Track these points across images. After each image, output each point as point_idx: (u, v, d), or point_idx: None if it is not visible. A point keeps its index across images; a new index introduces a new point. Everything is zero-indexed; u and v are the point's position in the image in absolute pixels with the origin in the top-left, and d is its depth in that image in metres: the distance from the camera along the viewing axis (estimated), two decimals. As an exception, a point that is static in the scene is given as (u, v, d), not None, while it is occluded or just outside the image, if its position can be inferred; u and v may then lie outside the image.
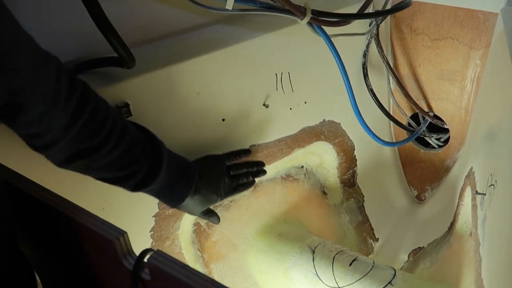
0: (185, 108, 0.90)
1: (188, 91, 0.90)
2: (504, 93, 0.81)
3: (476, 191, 0.87)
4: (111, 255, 0.46)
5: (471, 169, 1.01)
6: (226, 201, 1.12)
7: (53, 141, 0.59)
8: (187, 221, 1.03)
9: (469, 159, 1.10)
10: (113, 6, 0.81)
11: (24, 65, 0.51)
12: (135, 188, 0.73)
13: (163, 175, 0.74)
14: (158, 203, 0.93)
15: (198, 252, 1.08)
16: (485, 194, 0.78)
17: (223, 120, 0.97)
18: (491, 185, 0.75)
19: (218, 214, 1.07)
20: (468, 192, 1.02)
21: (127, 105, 0.81)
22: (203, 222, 1.08)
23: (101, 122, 0.64)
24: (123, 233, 0.46)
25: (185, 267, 0.42)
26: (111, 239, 0.45)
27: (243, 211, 1.16)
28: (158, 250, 0.44)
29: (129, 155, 0.69)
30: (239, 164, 0.96)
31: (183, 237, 1.03)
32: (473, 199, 0.92)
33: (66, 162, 0.63)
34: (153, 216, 0.93)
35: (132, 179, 0.71)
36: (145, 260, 0.44)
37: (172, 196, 0.81)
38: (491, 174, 0.77)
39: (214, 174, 0.90)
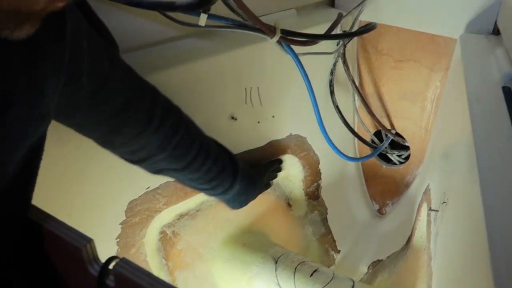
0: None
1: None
2: (459, 116, 0.86)
3: (430, 208, 0.91)
4: (78, 262, 0.48)
5: (428, 186, 1.07)
6: (193, 210, 1.14)
7: (147, 156, 0.74)
8: (153, 229, 1.04)
9: (427, 176, 1.15)
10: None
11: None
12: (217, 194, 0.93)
13: (237, 186, 0.92)
14: (125, 211, 0.94)
15: (163, 260, 1.09)
16: (438, 211, 0.82)
17: (192, 131, 0.99)
18: (444, 202, 0.79)
19: (184, 223, 1.10)
20: (424, 208, 1.07)
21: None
22: (169, 230, 1.09)
23: (190, 145, 0.78)
24: (89, 240, 0.48)
25: (149, 275, 0.44)
26: (78, 246, 0.47)
27: (209, 221, 1.18)
28: (123, 258, 0.45)
29: (213, 171, 0.85)
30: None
31: (148, 245, 1.04)
32: (428, 215, 0.97)
33: (159, 172, 0.80)
34: (119, 224, 0.94)
35: (215, 190, 0.90)
36: (111, 267, 0.46)
37: (239, 202, 1.00)
38: (444, 192, 0.82)
39: (263, 179, 1.11)
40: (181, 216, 1.11)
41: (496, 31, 1.04)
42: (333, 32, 0.98)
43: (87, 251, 0.48)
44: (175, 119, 0.77)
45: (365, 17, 1.21)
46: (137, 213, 0.97)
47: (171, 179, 1.01)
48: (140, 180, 0.95)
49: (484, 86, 0.79)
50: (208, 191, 0.91)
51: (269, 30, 0.84)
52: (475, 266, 0.48)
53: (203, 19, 0.78)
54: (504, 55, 0.88)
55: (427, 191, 1.06)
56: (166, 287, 0.43)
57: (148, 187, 0.97)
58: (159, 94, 0.75)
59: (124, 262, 0.45)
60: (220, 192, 0.92)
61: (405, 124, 1.36)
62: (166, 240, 1.09)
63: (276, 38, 0.85)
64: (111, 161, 0.87)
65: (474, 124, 0.67)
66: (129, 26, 0.92)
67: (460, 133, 0.81)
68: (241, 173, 0.92)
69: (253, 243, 1.23)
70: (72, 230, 0.49)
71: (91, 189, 0.85)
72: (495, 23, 1.03)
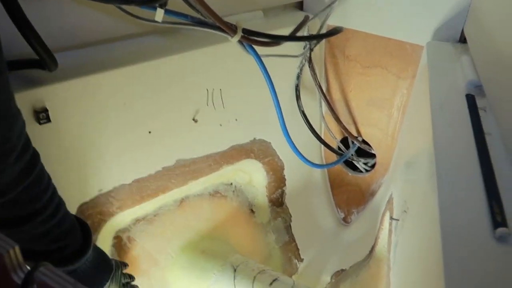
0: (110, 118, 0.88)
1: (114, 101, 0.88)
2: (422, 123, 0.85)
3: (391, 217, 0.90)
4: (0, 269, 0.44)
5: (391, 195, 1.05)
6: (150, 215, 1.10)
7: None
8: (106, 234, 1.00)
9: (391, 185, 1.14)
10: (41, 8, 0.78)
11: None
12: (60, 262, 0.72)
13: (90, 254, 0.77)
14: (75, 214, 0.89)
15: (117, 266, 1.05)
16: (398, 220, 0.81)
17: (150, 132, 0.96)
18: (404, 211, 0.78)
19: (141, 228, 1.06)
20: (387, 217, 1.05)
21: (45, 110, 0.77)
22: (124, 235, 1.05)
23: (43, 190, 0.65)
24: (13, 245, 0.44)
25: (75, 284, 0.40)
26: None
27: (167, 226, 1.14)
28: (48, 264, 0.42)
29: (63, 227, 0.70)
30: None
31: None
32: (390, 224, 0.95)
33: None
34: (68, 228, 0.89)
35: (61, 252, 0.72)
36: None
37: (95, 278, 0.81)
38: (405, 201, 0.81)
39: None
40: (137, 220, 1.07)
41: (463, 39, 1.03)
42: (298, 35, 0.95)
43: (11, 257, 0.44)
44: (33, 153, 0.63)
45: (333, 21, 1.19)
46: (88, 217, 0.93)
47: (126, 182, 0.97)
48: (92, 182, 0.91)
49: (448, 94, 0.78)
50: (54, 254, 0.71)
51: (230, 29, 0.81)
52: (428, 277, 0.46)
53: (159, 14, 0.74)
54: (469, 63, 0.87)
55: (390, 200, 1.05)
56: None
57: (101, 190, 0.93)
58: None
59: (48, 270, 0.41)
60: (68, 258, 0.73)
61: (372, 132, 1.35)
62: (120, 245, 1.05)
63: (237, 37, 0.82)
64: (61, 161, 0.83)
65: (436, 131, 0.66)
66: (87, 20, 0.88)
67: (422, 141, 0.80)
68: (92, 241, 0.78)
69: (213, 250, 1.19)
70: (-5, 234, 0.45)
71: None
72: (462, 31, 1.03)
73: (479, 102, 0.74)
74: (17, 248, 0.45)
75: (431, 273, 0.46)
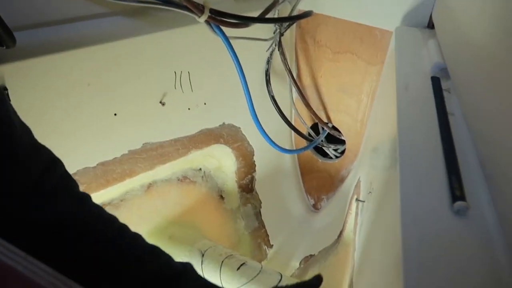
0: (73, 99, 0.86)
1: (78, 81, 0.85)
2: (388, 109, 0.85)
3: (357, 199, 0.90)
4: None
5: (359, 179, 1.06)
6: (116, 200, 1.09)
7: None
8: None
9: (359, 170, 1.15)
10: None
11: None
12: None
13: None
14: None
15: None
16: (364, 201, 0.81)
17: (115, 114, 0.94)
18: (370, 192, 0.78)
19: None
20: (355, 202, 1.06)
21: (5, 89, 0.75)
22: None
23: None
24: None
25: (25, 257, 0.39)
26: None
27: (133, 211, 1.12)
28: (-3, 238, 0.40)
29: None
30: None
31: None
32: (356, 207, 0.96)
33: None
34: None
35: None
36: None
37: None
38: (371, 182, 0.81)
39: None
40: (102, 205, 1.05)
41: (431, 25, 1.04)
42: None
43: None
44: None
45: (304, 6, 1.19)
46: (51, 200, 0.91)
47: (90, 165, 0.95)
48: (55, 164, 0.89)
49: (413, 76, 0.79)
50: None
51: (197, 9, 0.80)
52: (388, 253, 0.47)
53: (125, -8, 0.72)
54: (436, 47, 0.88)
55: (358, 184, 1.06)
56: (44, 272, 0.38)
57: (64, 172, 0.90)
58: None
59: (-3, 243, 0.40)
60: None
61: (341, 118, 1.36)
62: (84, 232, 1.03)
63: (204, 17, 0.81)
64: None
65: (400, 111, 0.66)
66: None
67: (388, 124, 0.80)
68: None
69: (180, 236, 1.18)
70: None
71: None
72: (430, 16, 1.04)
73: (444, 84, 0.75)
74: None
75: (391, 247, 0.46)
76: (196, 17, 0.81)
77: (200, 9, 0.80)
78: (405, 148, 0.56)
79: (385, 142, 0.80)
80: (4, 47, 0.71)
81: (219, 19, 0.84)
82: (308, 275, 1.27)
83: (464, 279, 0.37)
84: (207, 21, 0.83)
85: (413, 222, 0.43)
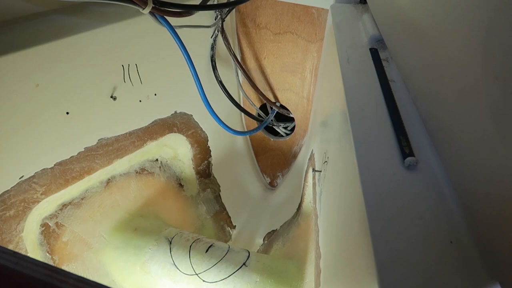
0: (22, 101, 0.84)
1: (25, 83, 0.83)
2: (332, 79, 0.89)
3: (313, 169, 0.94)
4: None
5: (312, 151, 1.10)
6: (77, 199, 1.08)
7: None
8: (32, 222, 0.96)
9: (311, 143, 1.19)
10: None
11: None
12: None
13: None
14: (-5, 205, 0.85)
15: (48, 254, 1.01)
16: (320, 171, 0.85)
17: (67, 113, 0.93)
18: (325, 162, 0.82)
19: (68, 213, 1.03)
20: (310, 174, 1.10)
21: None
22: (51, 222, 1.02)
23: None
24: None
25: (14, 254, 0.39)
26: None
27: (95, 208, 1.11)
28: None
29: None
30: None
31: (28, 239, 0.96)
32: (313, 177, 1.00)
33: None
34: (-9, 219, 0.85)
35: None
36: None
37: None
38: (325, 152, 0.85)
39: None
40: (63, 205, 1.04)
41: (363, 0, 1.09)
42: (208, 3, 0.96)
43: None
44: None
45: (242, -10, 1.21)
46: (11, 205, 0.89)
47: (47, 166, 0.94)
48: (12, 169, 0.87)
49: (353, 49, 0.83)
50: None
51: (140, 1, 0.80)
52: (352, 211, 0.50)
53: (66, -12, 0.71)
54: (370, 20, 0.92)
55: (311, 157, 1.10)
56: (35, 265, 0.39)
57: (22, 176, 0.89)
58: None
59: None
60: None
61: (288, 96, 1.39)
62: (49, 232, 1.02)
63: (148, 8, 0.81)
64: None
65: (346, 82, 0.70)
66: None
67: (335, 96, 0.84)
68: None
69: (146, 227, 1.19)
70: None
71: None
72: (362, -8, 1.08)
73: (382, 54, 0.79)
74: None
75: (353, 205, 0.50)
76: (140, 9, 0.81)
77: (143, 1, 0.80)
78: (355, 116, 0.59)
79: (334, 113, 0.84)
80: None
81: (162, 9, 0.84)
82: (273, 249, 1.32)
83: (422, 224, 0.41)
84: (151, 12, 0.83)
85: (371, 180, 0.47)
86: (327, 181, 0.76)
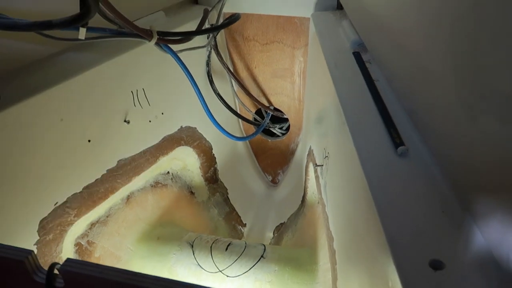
0: (50, 136, 0.92)
1: (52, 118, 0.91)
2: (323, 82, 0.98)
3: (316, 164, 1.03)
4: (22, 275, 0.50)
5: (310, 148, 1.19)
6: (103, 217, 1.15)
7: None
8: (68, 243, 1.04)
9: (308, 140, 1.28)
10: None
11: None
12: None
13: None
14: (37, 231, 0.93)
15: (84, 270, 1.09)
16: (322, 165, 0.94)
17: (89, 141, 1.00)
18: (326, 157, 0.91)
19: (97, 230, 1.11)
20: (311, 168, 1.19)
21: (-10, 141, 0.80)
22: (83, 241, 1.09)
23: None
24: (30, 252, 0.50)
25: (97, 265, 0.48)
26: (20, 259, 0.49)
27: (120, 224, 1.19)
28: (68, 258, 0.49)
29: None
30: None
31: (67, 258, 1.03)
32: (315, 171, 1.09)
33: None
34: (34, 244, 0.93)
35: None
36: (56, 270, 0.49)
37: None
38: (324, 148, 0.94)
39: None
40: (92, 224, 1.12)
41: (339, 6, 1.18)
42: (204, 27, 1.04)
43: (30, 262, 0.50)
44: None
45: (228, 9, 1.30)
46: (50, 230, 0.97)
47: (77, 190, 1.02)
48: (47, 197, 0.95)
49: (338, 54, 0.92)
50: None
51: (146, 34, 0.88)
52: (358, 196, 0.59)
53: (82, 33, 0.79)
54: (350, 26, 1.01)
55: (310, 153, 1.19)
56: (115, 271, 0.47)
57: (56, 203, 0.97)
58: None
59: (70, 261, 0.48)
60: None
61: (280, 99, 1.48)
62: (82, 250, 1.09)
63: (154, 40, 0.90)
64: (16, 184, 0.87)
65: (337, 86, 0.79)
66: (3, 49, 0.90)
67: (327, 96, 0.93)
68: None
69: (167, 235, 1.27)
70: (9, 248, 0.51)
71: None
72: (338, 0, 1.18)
73: (364, 56, 0.89)
74: (33, 253, 0.51)
75: (358, 191, 0.58)
76: (147, 41, 0.90)
77: (149, 34, 0.89)
78: (349, 115, 0.68)
79: (329, 112, 0.92)
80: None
81: (166, 38, 0.93)
82: (284, 241, 1.40)
83: (419, 200, 0.50)
84: (156, 43, 0.92)
85: (371, 169, 0.55)
86: (330, 173, 0.84)
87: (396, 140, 0.60)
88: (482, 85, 0.40)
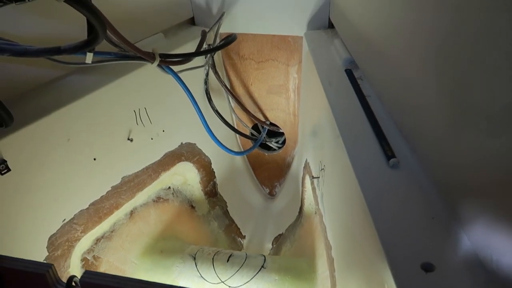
0: (58, 155, 0.95)
1: (60, 138, 0.94)
2: (317, 99, 1.02)
3: (312, 176, 1.07)
4: (42, 287, 0.53)
5: (306, 161, 1.23)
6: (108, 232, 1.18)
7: None
8: (75, 258, 1.07)
9: (303, 153, 1.32)
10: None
11: None
12: None
13: None
14: (46, 247, 0.96)
15: (90, 284, 1.11)
16: (319, 177, 0.98)
17: (95, 159, 1.04)
18: (322, 169, 0.95)
19: (102, 246, 1.13)
20: (307, 180, 1.23)
21: (4, 161, 0.83)
22: (89, 256, 1.12)
23: None
24: (50, 266, 0.53)
25: (114, 276, 0.51)
26: (41, 273, 0.52)
27: (124, 238, 1.22)
28: (86, 270, 0.52)
29: None
30: None
31: (74, 273, 1.06)
32: (312, 183, 1.12)
33: None
34: (44, 260, 0.95)
35: None
36: (75, 282, 0.52)
37: None
38: (320, 161, 0.98)
39: None
40: (97, 240, 1.15)
41: (331, 25, 1.23)
42: (202, 48, 1.08)
43: (50, 275, 0.53)
44: None
45: (224, 29, 1.34)
46: (59, 246, 0.99)
47: (83, 207, 1.04)
48: (55, 214, 0.97)
49: (331, 72, 0.96)
50: None
51: (149, 57, 0.92)
52: (354, 206, 0.63)
53: (89, 58, 0.83)
54: (341, 44, 1.06)
55: (306, 166, 1.22)
56: (131, 281, 0.50)
57: (64, 219, 0.99)
58: None
59: (88, 273, 0.51)
60: None
61: (276, 114, 1.52)
62: (88, 265, 1.12)
63: (156, 62, 0.94)
64: (25, 202, 0.89)
65: (331, 101, 0.83)
66: (14, 74, 0.93)
67: (320, 111, 0.97)
68: None
69: (169, 248, 1.30)
70: (30, 262, 0.54)
71: (9, 232, 0.86)
72: (329, 19, 1.22)
73: (356, 73, 0.93)
74: (53, 267, 0.55)
75: (354, 201, 0.62)
76: (150, 64, 0.93)
77: (151, 56, 0.93)
78: (344, 130, 0.72)
79: (323, 125, 0.96)
80: (4, 127, 0.79)
81: (167, 60, 0.97)
82: (283, 251, 1.43)
83: (411, 207, 0.53)
84: (158, 64, 0.95)
85: (365, 180, 0.59)
86: (327, 184, 0.88)
87: (388, 152, 0.63)
88: (464, 102, 0.44)
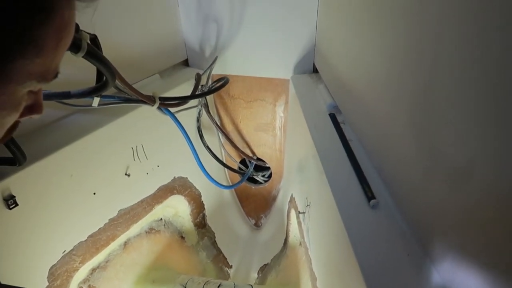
0: (61, 190, 0.99)
1: (63, 174, 0.99)
2: (302, 136, 1.08)
3: (299, 211, 1.12)
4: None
5: (292, 195, 1.29)
6: (103, 262, 1.21)
7: None
8: (73, 287, 1.09)
9: (289, 188, 1.38)
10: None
11: None
12: None
13: None
14: (47, 277, 0.98)
15: (86, 312, 1.14)
16: (304, 212, 1.03)
17: (94, 193, 1.08)
18: (308, 205, 1.01)
19: (97, 276, 1.16)
20: (293, 213, 1.28)
21: (13, 197, 0.87)
22: (85, 285, 1.15)
23: None
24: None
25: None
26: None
27: (118, 268, 1.25)
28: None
29: None
30: None
31: (71, 303, 1.08)
32: (297, 217, 1.18)
33: None
34: (44, 290, 0.98)
35: None
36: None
37: None
38: (306, 198, 1.04)
39: None
40: (93, 270, 1.17)
41: (315, 70, 1.31)
42: (197, 91, 1.15)
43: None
44: None
45: (216, 71, 1.41)
46: (58, 276, 1.02)
47: (82, 239, 1.08)
48: (56, 246, 1.01)
49: (317, 115, 1.03)
50: None
51: (150, 100, 0.98)
52: (338, 241, 0.68)
53: (96, 101, 0.89)
54: (325, 89, 1.14)
55: (292, 200, 1.28)
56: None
57: (64, 251, 1.03)
58: None
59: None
60: None
61: (263, 150, 1.59)
62: (84, 294, 1.15)
63: (156, 105, 1.00)
64: (30, 234, 0.93)
65: (316, 143, 0.89)
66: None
67: (307, 151, 1.03)
68: None
69: (161, 278, 1.33)
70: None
71: (13, 262, 0.89)
72: (314, 64, 1.30)
73: (339, 118, 1.00)
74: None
75: (338, 237, 0.68)
76: (150, 106, 0.99)
77: (152, 100, 0.99)
78: (328, 171, 0.79)
79: (308, 164, 1.03)
80: (17, 165, 0.83)
81: (166, 103, 1.03)
82: (268, 280, 1.47)
83: (388, 244, 0.59)
84: (158, 107, 1.01)
85: (348, 219, 0.65)
86: (312, 220, 0.94)
87: (368, 194, 0.70)
88: (433, 157, 0.51)
